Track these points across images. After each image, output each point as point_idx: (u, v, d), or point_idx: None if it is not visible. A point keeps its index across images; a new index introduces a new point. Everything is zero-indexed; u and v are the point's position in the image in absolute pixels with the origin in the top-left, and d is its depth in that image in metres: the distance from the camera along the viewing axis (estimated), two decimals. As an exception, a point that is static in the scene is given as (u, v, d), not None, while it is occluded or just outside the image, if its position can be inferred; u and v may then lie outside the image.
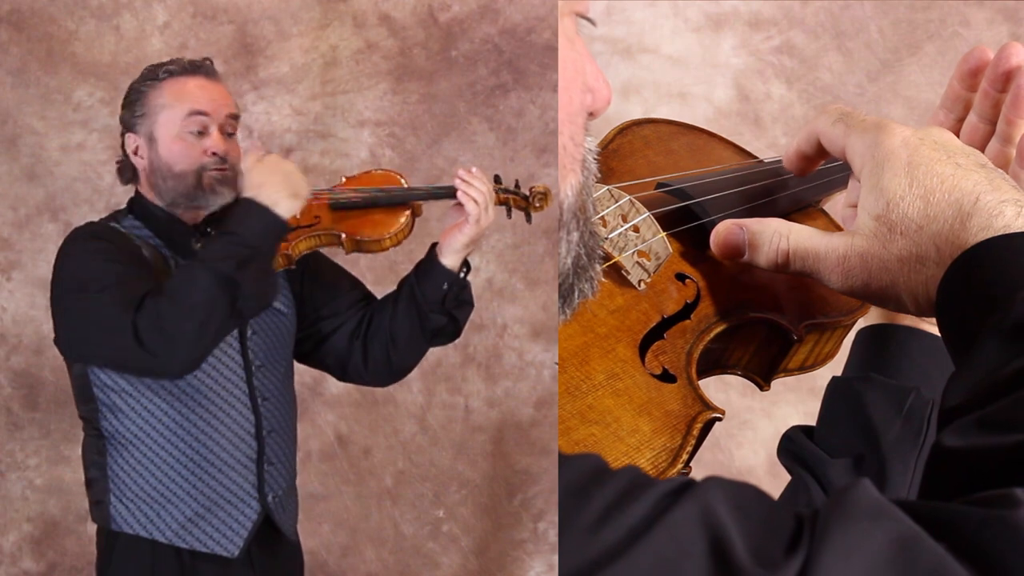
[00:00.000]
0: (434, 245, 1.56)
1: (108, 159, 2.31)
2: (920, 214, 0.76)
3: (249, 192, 1.41)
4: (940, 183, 0.76)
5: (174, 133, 1.49)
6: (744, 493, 0.55)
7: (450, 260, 1.53)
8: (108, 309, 1.38)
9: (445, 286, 1.54)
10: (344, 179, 1.59)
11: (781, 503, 0.57)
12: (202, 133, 1.49)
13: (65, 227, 2.31)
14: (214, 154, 1.48)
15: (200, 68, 1.53)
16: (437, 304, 1.55)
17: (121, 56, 2.31)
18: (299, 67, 2.37)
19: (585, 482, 0.53)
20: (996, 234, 0.72)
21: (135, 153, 1.52)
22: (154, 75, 1.52)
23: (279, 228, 1.41)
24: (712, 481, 0.54)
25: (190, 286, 1.37)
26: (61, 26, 2.30)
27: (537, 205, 1.57)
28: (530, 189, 1.57)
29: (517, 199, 1.57)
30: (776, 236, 0.83)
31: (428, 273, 1.54)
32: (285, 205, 1.40)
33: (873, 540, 0.52)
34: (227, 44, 2.33)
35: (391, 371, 1.63)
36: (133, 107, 1.52)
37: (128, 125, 1.53)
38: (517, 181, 1.60)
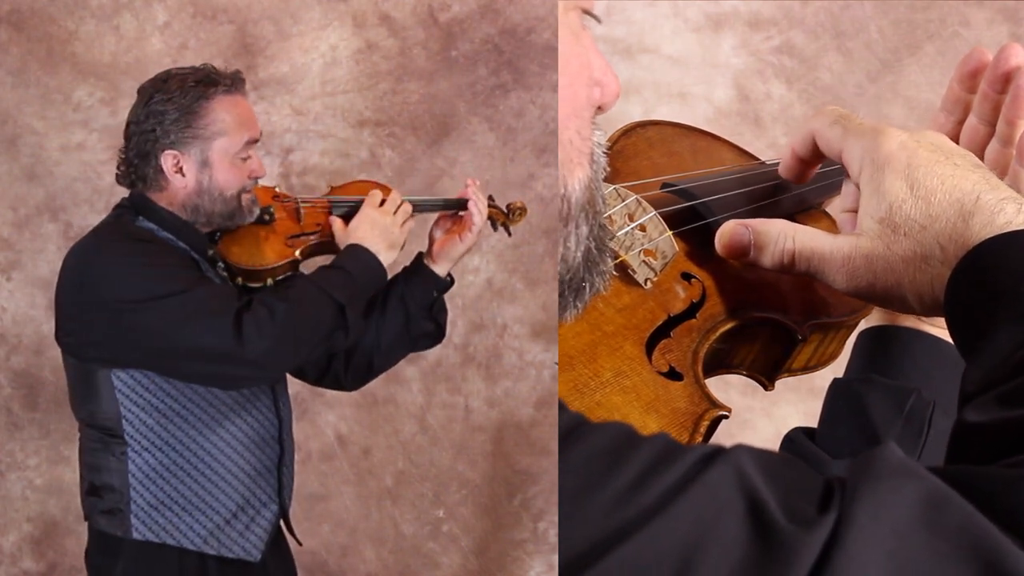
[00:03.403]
0: (421, 254, 1.60)
1: (108, 159, 2.31)
2: (923, 214, 0.77)
3: (354, 240, 1.50)
4: (940, 183, 0.77)
5: (229, 160, 1.48)
6: (775, 458, 0.56)
7: (442, 268, 1.58)
8: (205, 303, 1.37)
9: (435, 293, 1.58)
10: (330, 187, 1.61)
11: (809, 468, 0.58)
12: (248, 157, 1.50)
13: (65, 227, 2.30)
14: (255, 177, 1.51)
15: (241, 84, 1.51)
16: (426, 310, 1.59)
17: (121, 56, 2.31)
18: (299, 67, 2.37)
19: (619, 445, 0.54)
20: (999, 231, 0.73)
21: (176, 171, 1.47)
22: (204, 94, 1.46)
23: (380, 275, 1.51)
24: (742, 447, 0.56)
25: (309, 301, 1.42)
26: (61, 26, 2.30)
27: (515, 219, 1.64)
28: (508, 206, 1.63)
29: (498, 213, 1.62)
30: (782, 237, 0.83)
31: (419, 280, 1.58)
32: (384, 255, 1.51)
33: (903, 497, 0.53)
34: (227, 44, 2.33)
35: (369, 375, 1.66)
36: (179, 124, 1.46)
37: (173, 142, 1.46)
38: (492, 196, 1.64)
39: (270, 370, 1.42)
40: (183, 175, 1.47)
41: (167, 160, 1.46)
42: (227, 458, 1.48)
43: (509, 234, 1.67)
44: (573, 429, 0.55)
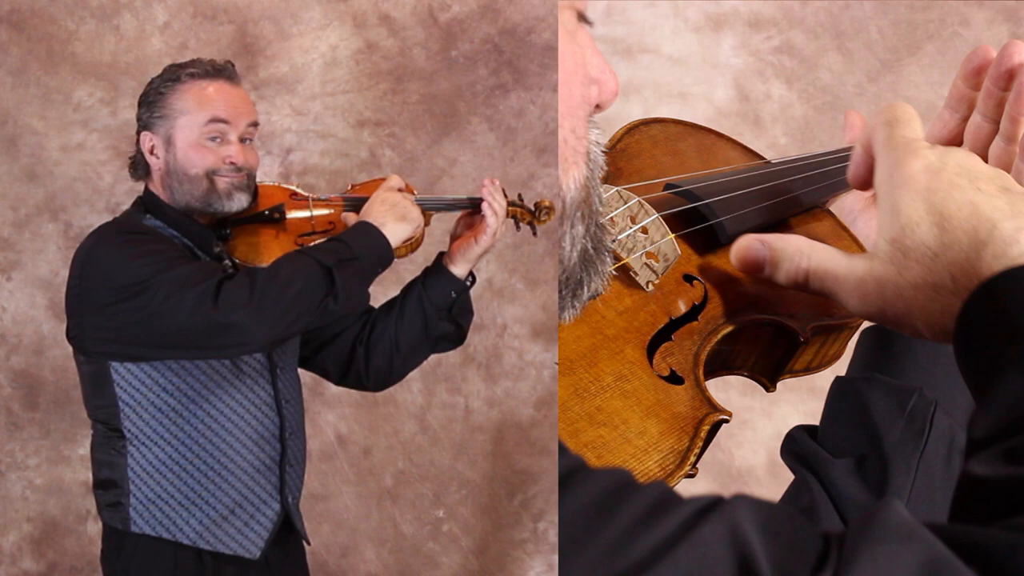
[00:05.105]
0: (441, 254, 1.57)
1: (108, 159, 2.31)
2: (936, 241, 0.73)
3: (362, 218, 1.48)
4: (958, 210, 0.73)
5: (193, 139, 1.49)
6: (772, 513, 0.54)
7: (460, 269, 1.55)
8: (187, 278, 1.37)
9: (453, 294, 1.55)
10: (351, 185, 1.59)
11: (808, 524, 0.56)
12: (221, 140, 1.49)
13: (65, 227, 2.30)
14: (232, 163, 1.49)
15: (222, 72, 1.53)
16: (444, 311, 1.57)
17: (121, 56, 2.31)
18: (299, 67, 2.37)
19: (612, 496, 0.53)
20: (1012, 263, 0.70)
21: (151, 152, 1.51)
22: (175, 76, 1.51)
23: (382, 245, 1.46)
24: (741, 500, 0.54)
25: (291, 264, 1.40)
26: (61, 26, 2.30)
27: (543, 218, 1.59)
28: (536, 204, 1.59)
29: (524, 212, 1.58)
30: (797, 254, 0.81)
31: (437, 281, 1.56)
32: (391, 227, 1.46)
33: (902, 562, 0.51)
34: (227, 44, 2.33)
35: (391, 376, 1.65)
36: (152, 107, 1.51)
37: (145, 123, 1.52)
38: (520, 195, 1.61)
39: (253, 333, 1.36)
40: (157, 157, 1.51)
41: (144, 142, 1.51)
42: (222, 454, 1.48)
43: (535, 233, 1.63)
44: (569, 476, 0.54)
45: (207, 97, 1.50)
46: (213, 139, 1.49)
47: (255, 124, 1.54)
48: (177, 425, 1.46)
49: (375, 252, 1.45)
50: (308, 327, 1.46)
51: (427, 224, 1.55)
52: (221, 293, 1.34)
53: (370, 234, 1.45)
